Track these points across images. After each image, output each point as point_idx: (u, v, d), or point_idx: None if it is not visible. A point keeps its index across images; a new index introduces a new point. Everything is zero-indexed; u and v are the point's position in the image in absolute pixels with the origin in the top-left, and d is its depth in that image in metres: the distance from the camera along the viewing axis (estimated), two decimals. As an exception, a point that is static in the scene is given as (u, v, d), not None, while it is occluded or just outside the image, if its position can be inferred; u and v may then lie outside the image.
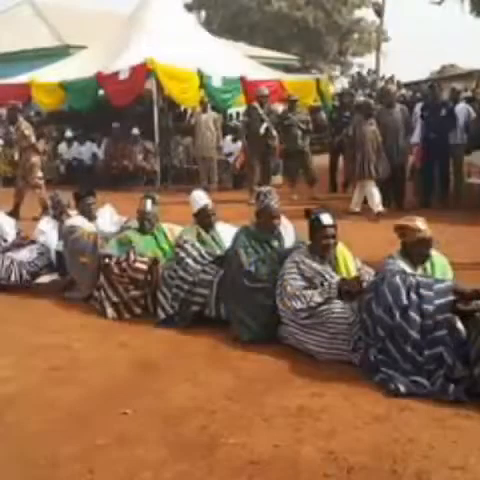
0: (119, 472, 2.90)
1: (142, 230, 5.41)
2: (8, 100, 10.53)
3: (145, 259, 5.08)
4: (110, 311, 5.06)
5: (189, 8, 33.36)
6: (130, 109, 13.11)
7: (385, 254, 4.10)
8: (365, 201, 9.05)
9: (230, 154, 12.87)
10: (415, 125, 9.42)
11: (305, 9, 33.82)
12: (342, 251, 4.36)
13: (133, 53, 12.30)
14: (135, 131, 13.08)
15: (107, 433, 3.23)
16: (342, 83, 35.98)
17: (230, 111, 16.62)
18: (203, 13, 37.21)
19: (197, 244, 4.88)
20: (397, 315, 3.59)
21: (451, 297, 3.57)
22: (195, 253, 4.79)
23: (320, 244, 4.19)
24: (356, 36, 37.06)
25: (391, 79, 24.50)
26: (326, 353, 3.98)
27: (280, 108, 11.85)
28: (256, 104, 10.53)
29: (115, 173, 13.09)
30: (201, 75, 12.30)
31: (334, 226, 4.21)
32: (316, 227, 4.20)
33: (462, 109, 9.41)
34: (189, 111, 15.51)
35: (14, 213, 8.91)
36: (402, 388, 3.47)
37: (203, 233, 5.02)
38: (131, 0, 15.35)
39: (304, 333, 4.06)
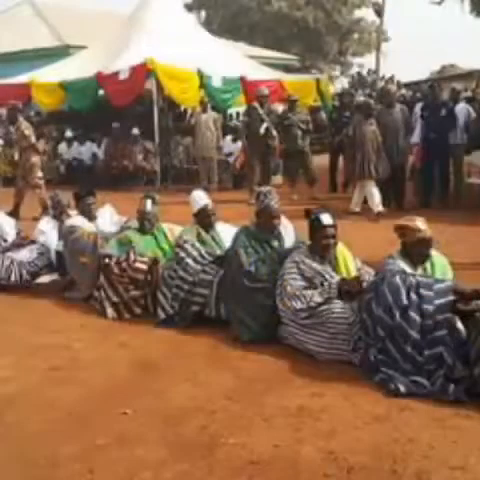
0: (119, 472, 2.90)
1: (142, 230, 5.41)
2: (8, 100, 10.53)
3: (145, 259, 5.08)
4: (110, 311, 5.06)
5: (189, 8, 33.37)
6: (130, 109, 13.11)
7: (385, 254, 4.10)
8: (365, 201, 9.05)
9: (230, 154, 12.87)
10: (415, 125, 9.42)
11: (305, 9, 33.82)
12: (342, 251, 4.36)
13: (133, 53, 12.30)
14: (135, 131, 13.08)
15: (107, 433, 3.23)
16: (342, 83, 36.02)
17: (230, 111, 16.62)
18: (203, 13, 37.22)
19: (197, 244, 4.88)
20: (397, 315, 3.59)
21: (451, 297, 3.57)
22: (195, 253, 4.79)
23: (320, 244, 4.19)
24: (356, 36, 37.07)
25: (391, 79, 24.50)
26: (326, 353, 3.98)
27: (280, 108, 11.85)
28: (256, 104, 10.53)
29: (115, 173, 13.09)
30: (201, 75, 12.31)
31: (334, 226, 4.21)
32: (316, 227, 4.20)
33: (462, 109, 9.41)
34: (189, 111, 15.51)
35: (14, 213, 8.90)
36: (402, 388, 3.47)
37: (203, 233, 5.02)
38: (131, 0, 15.38)
39: (304, 333, 4.06)
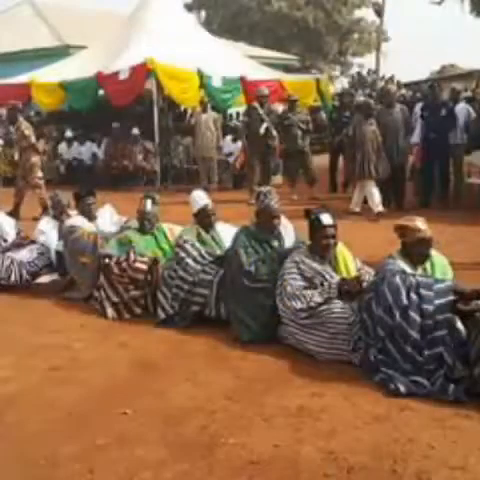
0: (119, 472, 2.90)
1: (142, 230, 5.41)
2: (8, 100, 10.53)
3: (145, 259, 5.08)
4: (110, 311, 5.06)
5: (189, 8, 33.37)
6: (130, 109, 13.11)
7: (385, 254, 4.10)
8: (365, 201, 9.05)
9: (230, 154, 12.87)
10: (415, 125, 9.42)
11: (305, 9, 33.83)
12: (342, 251, 4.35)
13: (133, 53, 12.30)
14: (135, 131, 13.08)
15: (107, 433, 3.23)
16: (342, 83, 36.06)
17: (230, 111, 16.62)
18: (203, 13, 37.23)
19: (197, 244, 4.88)
20: (397, 315, 3.59)
21: (451, 297, 3.57)
22: (195, 253, 4.79)
23: (320, 244, 4.19)
24: (356, 36, 37.07)
25: (391, 79, 24.52)
26: (326, 353, 3.98)
27: (280, 108, 11.86)
28: (256, 104, 10.53)
29: (115, 173, 13.09)
30: (201, 75, 12.30)
31: (334, 226, 4.21)
32: (316, 227, 4.20)
33: (462, 109, 9.41)
34: (189, 111, 15.51)
35: (14, 213, 8.90)
36: (402, 388, 3.47)
37: (203, 233, 5.02)
38: (131, 0, 15.38)
39: (304, 333, 4.06)
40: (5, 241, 6.06)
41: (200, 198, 5.12)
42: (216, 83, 12.61)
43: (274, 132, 10.33)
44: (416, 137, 9.31)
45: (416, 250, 3.90)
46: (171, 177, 13.00)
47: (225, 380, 3.79)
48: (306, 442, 3.06)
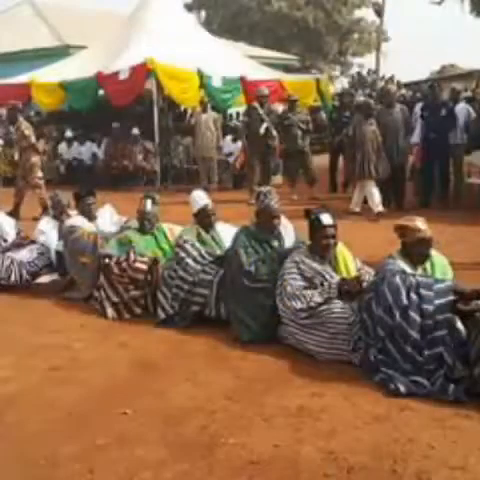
0: (119, 472, 2.90)
1: (142, 230, 5.41)
2: (8, 100, 10.53)
3: (145, 259, 5.08)
4: (110, 311, 5.06)
5: (189, 8, 33.37)
6: (130, 109, 13.11)
7: (385, 254, 4.10)
8: (365, 201, 9.05)
9: (230, 154, 12.87)
10: (415, 125, 9.42)
11: (305, 9, 33.83)
12: (342, 251, 4.35)
13: (133, 53, 12.30)
14: (135, 131, 13.08)
15: (107, 433, 3.23)
16: (342, 83, 36.07)
17: (230, 111, 16.62)
18: (203, 13, 37.23)
19: (197, 244, 4.88)
20: (397, 315, 3.59)
21: (451, 297, 3.57)
22: (195, 253, 4.79)
23: (320, 244, 4.19)
24: (356, 36, 37.07)
25: (391, 79, 24.52)
26: (326, 353, 3.98)
27: (280, 108, 11.86)
28: (256, 104, 10.53)
29: (115, 173, 13.09)
30: (201, 75, 12.30)
31: (334, 226, 4.21)
32: (316, 227, 4.20)
33: (462, 109, 9.41)
34: (189, 111, 15.51)
35: (14, 213, 8.90)
36: (402, 388, 3.47)
37: (203, 233, 5.02)
38: (131, 0, 15.38)
39: (304, 333, 4.06)
40: (5, 241, 6.06)
41: (200, 198, 5.12)
42: (216, 83, 12.61)
43: (274, 132, 10.33)
44: (416, 137, 9.31)
45: (416, 250, 3.90)
46: (171, 177, 13.00)
47: (225, 380, 3.79)
48: (306, 442, 3.06)
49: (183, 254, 4.80)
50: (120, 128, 13.34)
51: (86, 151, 14.00)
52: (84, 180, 11.74)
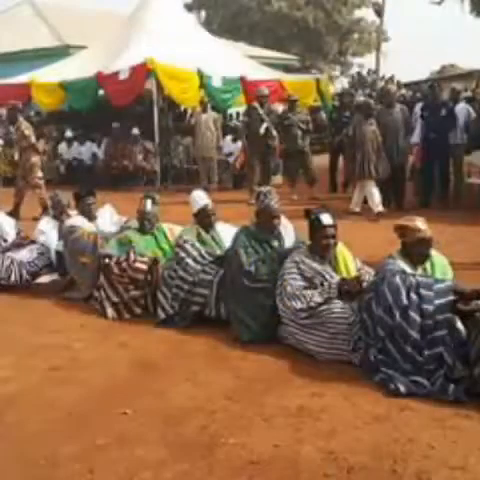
0: (119, 472, 2.90)
1: (142, 230, 5.41)
2: (8, 100, 10.53)
3: (145, 259, 5.08)
4: (110, 311, 5.06)
5: (189, 8, 33.37)
6: (130, 109, 13.11)
7: (385, 254, 4.10)
8: (365, 201, 9.05)
9: (230, 154, 12.87)
10: (415, 125, 9.42)
11: (305, 9, 33.83)
12: (342, 251, 4.35)
13: (133, 53, 12.30)
14: (135, 131, 13.08)
15: (107, 433, 3.23)
16: (342, 83, 36.07)
17: (230, 111, 16.62)
18: (203, 13, 37.24)
19: (197, 244, 4.88)
20: (397, 315, 3.59)
21: (451, 297, 3.57)
22: (195, 253, 4.79)
23: (320, 244, 4.19)
24: (356, 36, 37.08)
25: (391, 79, 24.53)
26: (326, 353, 3.98)
27: (280, 108, 11.86)
28: (256, 104, 10.53)
29: (115, 173, 13.09)
30: (201, 75, 12.30)
31: (334, 226, 4.21)
32: (316, 227, 4.20)
33: (462, 109, 9.41)
34: (189, 111, 15.51)
35: (14, 213, 8.90)
36: (402, 388, 3.47)
37: (203, 233, 5.02)
38: (131, 0, 15.39)
39: (304, 333, 4.06)
40: (5, 241, 6.06)
41: (200, 198, 5.12)
42: (216, 83, 12.61)
43: (274, 132, 10.33)
44: (416, 137, 9.31)
45: (416, 250, 3.90)
46: (171, 177, 13.00)
47: (225, 380, 3.79)
48: (306, 442, 3.06)
49: (183, 254, 4.80)
50: (120, 128, 13.34)
51: (86, 151, 14.00)
52: (84, 180, 11.75)
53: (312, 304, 3.98)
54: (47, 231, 6.03)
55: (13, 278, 5.78)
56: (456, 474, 2.76)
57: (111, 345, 4.49)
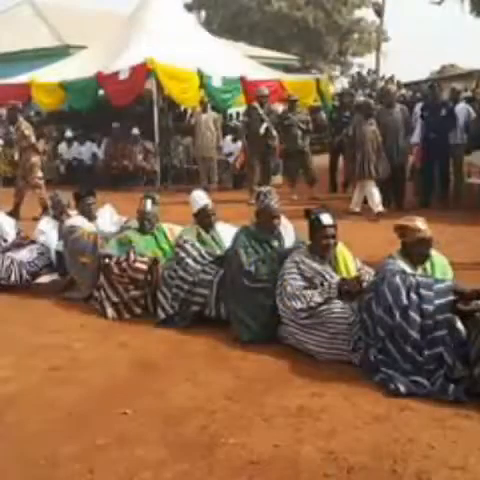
0: (119, 472, 2.90)
1: (142, 230, 5.41)
2: (8, 100, 10.53)
3: (145, 259, 5.08)
4: (110, 311, 5.06)
5: (189, 8, 33.37)
6: (130, 109, 13.11)
7: (385, 254, 4.10)
8: (365, 201, 9.05)
9: (230, 154, 12.87)
10: (415, 125, 9.42)
11: (305, 9, 33.83)
12: (342, 251, 4.35)
13: (133, 53, 12.30)
14: (135, 131, 13.08)
15: (107, 433, 3.23)
16: (342, 83, 36.07)
17: (230, 111, 16.62)
18: (203, 13, 37.24)
19: (197, 244, 4.88)
20: (397, 315, 3.59)
21: (451, 297, 3.57)
22: (195, 253, 4.79)
23: (320, 244, 4.19)
24: (356, 36, 37.08)
25: (391, 79, 24.53)
26: (326, 353, 3.98)
27: (280, 108, 11.86)
28: (256, 104, 10.53)
29: (115, 173, 13.09)
30: (201, 75, 12.30)
31: (334, 226, 4.21)
32: (316, 227, 4.20)
33: (462, 109, 9.41)
34: (189, 111, 15.51)
35: (14, 213, 8.90)
36: (402, 388, 3.47)
37: (203, 233, 5.02)
38: (131, 0, 15.39)
39: (304, 333, 4.06)
40: (5, 241, 6.06)
41: (200, 198, 5.12)
42: (216, 83, 12.61)
43: (274, 132, 10.33)
44: (416, 137, 9.31)
45: (416, 250, 3.90)
46: (171, 177, 13.00)
47: (225, 380, 3.79)
48: (306, 442, 3.06)
49: (183, 254, 4.80)
50: (120, 128, 13.34)
51: (86, 151, 14.00)
52: (84, 180, 11.75)
53: (312, 304, 3.98)
54: (47, 231, 6.03)
55: (13, 278, 5.78)
56: (456, 474, 2.76)
57: (111, 345, 4.49)
